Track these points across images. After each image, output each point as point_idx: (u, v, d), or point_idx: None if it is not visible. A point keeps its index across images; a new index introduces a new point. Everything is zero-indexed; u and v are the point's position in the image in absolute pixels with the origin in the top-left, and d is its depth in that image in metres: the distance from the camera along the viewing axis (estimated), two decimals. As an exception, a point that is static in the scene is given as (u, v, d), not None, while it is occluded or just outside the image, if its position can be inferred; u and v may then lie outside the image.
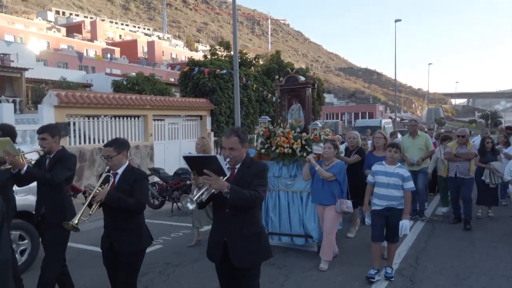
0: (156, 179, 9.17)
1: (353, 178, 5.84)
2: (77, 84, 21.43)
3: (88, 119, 9.89)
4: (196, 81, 14.01)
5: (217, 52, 16.60)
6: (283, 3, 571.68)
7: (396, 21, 31.48)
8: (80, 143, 9.54)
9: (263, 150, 5.71)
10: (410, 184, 4.49)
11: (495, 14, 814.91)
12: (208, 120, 14.16)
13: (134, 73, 19.23)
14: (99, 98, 9.61)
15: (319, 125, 5.66)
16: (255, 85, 15.68)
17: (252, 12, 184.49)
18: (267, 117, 6.12)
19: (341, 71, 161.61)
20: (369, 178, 4.73)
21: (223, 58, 15.90)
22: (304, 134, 5.54)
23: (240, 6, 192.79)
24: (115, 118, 10.60)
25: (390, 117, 46.96)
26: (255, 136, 5.94)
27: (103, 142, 10.31)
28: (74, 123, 9.53)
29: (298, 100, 5.96)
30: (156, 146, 11.73)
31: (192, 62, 14.55)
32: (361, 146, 6.70)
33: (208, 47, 17.04)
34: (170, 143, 12.46)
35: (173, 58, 58.96)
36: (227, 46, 16.08)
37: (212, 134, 14.27)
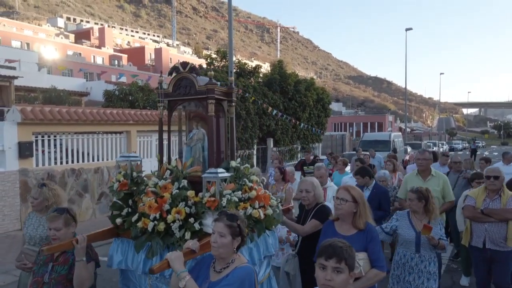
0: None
1: (307, 265, 3.27)
2: (71, 93, 20.64)
3: (60, 136, 8.93)
4: (189, 93, 13.04)
5: (214, 62, 15.64)
6: (293, 11, 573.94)
7: (407, 29, 30.45)
8: (49, 164, 8.58)
9: (118, 220, 3.24)
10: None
11: (508, 23, 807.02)
12: (202, 135, 13.16)
13: (141, 81, 18.46)
14: (73, 114, 8.66)
15: (226, 175, 3.10)
16: (253, 97, 14.67)
17: (262, 20, 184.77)
18: (134, 153, 3.91)
19: (351, 79, 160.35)
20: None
21: (219, 68, 14.92)
22: (190, 192, 3.06)
23: (250, 14, 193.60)
24: (92, 135, 9.65)
25: (400, 128, 45.67)
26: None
27: (78, 162, 9.37)
28: (42, 141, 8.58)
29: (203, 122, 3.61)
30: (144, 164, 10.74)
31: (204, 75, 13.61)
32: (323, 204, 3.72)
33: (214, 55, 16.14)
34: (157, 160, 11.47)
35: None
36: (224, 55, 15.12)
37: (205, 150, 13.28)
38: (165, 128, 3.78)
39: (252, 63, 19.23)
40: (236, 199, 3.07)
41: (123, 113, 10.20)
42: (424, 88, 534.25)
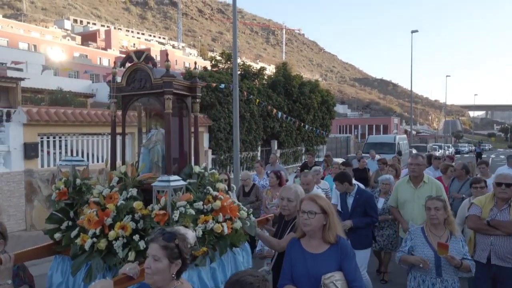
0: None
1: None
2: (76, 94, 20.80)
3: (66, 138, 9.01)
4: (194, 94, 13.08)
5: (218, 64, 15.67)
6: (298, 13, 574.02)
7: (413, 32, 30.30)
8: (54, 165, 8.66)
9: (57, 235, 2.84)
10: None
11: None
12: (206, 137, 13.20)
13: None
14: (78, 115, 8.74)
15: (180, 183, 2.70)
16: (257, 100, 14.68)
17: (267, 22, 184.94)
18: (78, 158, 3.35)
19: (356, 82, 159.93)
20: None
21: (224, 70, 14.95)
22: (137, 204, 2.64)
23: (256, 16, 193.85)
24: (97, 136, 9.72)
25: (406, 131, 45.44)
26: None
27: (83, 162, 9.42)
28: (48, 142, 8.65)
29: (163, 121, 3.11)
30: (145, 166, 10.81)
31: (189, 74, 13.65)
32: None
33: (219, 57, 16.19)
34: (162, 162, 11.52)
35: (186, 67, 58.76)
36: (229, 58, 15.15)
37: (209, 151, 13.30)
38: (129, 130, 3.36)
39: (257, 65, 19.20)
40: (192, 212, 2.61)
41: (128, 115, 10.24)
42: (430, 90, 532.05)
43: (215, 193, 2.96)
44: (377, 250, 5.71)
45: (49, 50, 43.83)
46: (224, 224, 2.81)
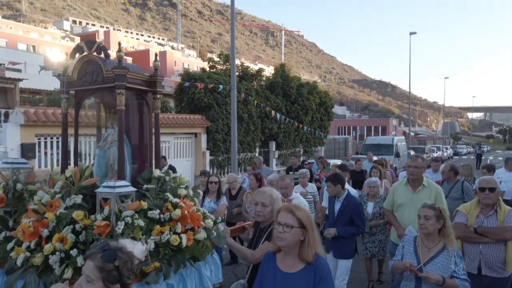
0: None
1: None
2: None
3: (57, 138, 9.01)
4: (192, 95, 13.11)
5: (216, 65, 15.69)
6: (298, 15, 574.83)
7: (411, 33, 30.42)
8: (46, 166, 8.67)
9: None
10: None
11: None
12: (204, 138, 13.21)
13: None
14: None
15: (127, 190, 2.45)
16: (255, 101, 14.71)
17: (266, 23, 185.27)
18: (21, 160, 3.06)
19: (355, 83, 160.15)
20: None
21: (222, 71, 14.98)
22: (78, 213, 2.36)
23: (255, 17, 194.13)
24: (95, 137, 9.71)
25: (404, 132, 45.54)
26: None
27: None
28: (45, 143, 8.66)
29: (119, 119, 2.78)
30: (142, 167, 10.82)
31: (187, 75, 13.68)
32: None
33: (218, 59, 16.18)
34: (159, 163, 11.53)
35: (185, 68, 58.87)
36: (227, 59, 15.18)
37: (207, 153, 13.31)
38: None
39: (256, 67, 19.23)
40: (141, 223, 2.28)
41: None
42: (428, 92, 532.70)
43: (175, 200, 2.62)
44: (368, 257, 5.45)
45: (48, 51, 43.86)
46: (183, 235, 2.46)
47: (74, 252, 2.20)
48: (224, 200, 5.52)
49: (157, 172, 2.83)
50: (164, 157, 10.11)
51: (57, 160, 9.02)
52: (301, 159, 17.85)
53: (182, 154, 12.73)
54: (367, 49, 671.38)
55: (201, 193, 3.22)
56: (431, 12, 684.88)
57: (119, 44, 2.92)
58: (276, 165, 17.16)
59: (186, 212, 2.57)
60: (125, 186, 2.38)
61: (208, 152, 13.31)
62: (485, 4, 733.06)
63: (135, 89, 2.78)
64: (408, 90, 35.67)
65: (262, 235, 2.76)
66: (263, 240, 2.71)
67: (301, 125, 17.95)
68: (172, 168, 9.85)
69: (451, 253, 2.85)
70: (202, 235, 2.62)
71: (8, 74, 18.94)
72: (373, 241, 5.35)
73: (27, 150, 7.89)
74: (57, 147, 9.00)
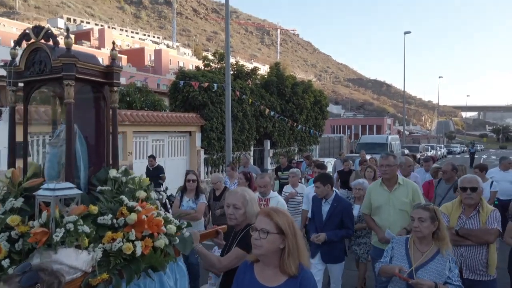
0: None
1: None
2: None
3: (50, 137, 8.98)
4: (186, 94, 13.09)
5: (211, 63, 15.68)
6: (293, 13, 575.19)
7: (406, 33, 30.57)
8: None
9: None
10: None
11: (508, 28, 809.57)
12: (198, 136, 13.20)
13: (139, 82, 18.54)
14: (68, 114, 8.70)
15: (71, 192, 2.22)
16: (250, 99, 14.72)
17: (262, 22, 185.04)
18: None
19: (350, 82, 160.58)
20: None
21: (216, 70, 14.97)
22: (13, 218, 2.11)
23: (250, 16, 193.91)
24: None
25: (399, 131, 45.75)
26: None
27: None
28: (37, 141, 8.62)
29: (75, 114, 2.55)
30: (136, 166, 10.77)
31: (182, 74, 13.65)
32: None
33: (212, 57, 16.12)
34: (153, 161, 11.49)
35: (180, 66, 58.75)
36: (221, 57, 15.17)
37: (202, 151, 13.30)
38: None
39: (251, 65, 19.22)
40: (86, 230, 2.06)
41: (119, 114, 10.24)
42: (423, 91, 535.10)
43: (132, 203, 2.35)
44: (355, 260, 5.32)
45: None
46: (138, 242, 2.19)
47: (6, 262, 1.95)
48: (203, 199, 5.23)
49: (113, 173, 2.55)
50: (153, 156, 9.92)
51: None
52: (296, 158, 17.96)
53: (176, 153, 12.72)
54: (363, 48, 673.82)
55: (164, 195, 2.94)
56: (425, 11, 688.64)
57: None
58: (270, 163, 17.18)
59: (143, 216, 2.28)
60: (67, 189, 2.13)
61: (202, 151, 13.30)
62: (479, 4, 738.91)
63: (88, 81, 2.51)
64: (402, 89, 35.84)
65: (234, 240, 2.55)
66: (234, 245, 2.49)
67: (295, 124, 17.99)
68: (159, 168, 9.67)
69: (446, 258, 2.68)
70: (162, 242, 2.33)
71: (2, 72, 18.78)
72: (358, 244, 5.19)
73: (20, 149, 7.83)
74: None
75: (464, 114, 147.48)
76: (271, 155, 17.38)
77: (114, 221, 2.25)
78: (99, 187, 2.46)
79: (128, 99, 15.18)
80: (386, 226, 3.91)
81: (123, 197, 2.39)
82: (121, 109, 12.34)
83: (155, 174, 9.30)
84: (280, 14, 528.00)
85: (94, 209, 2.21)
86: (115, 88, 2.70)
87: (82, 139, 2.57)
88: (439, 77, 50.18)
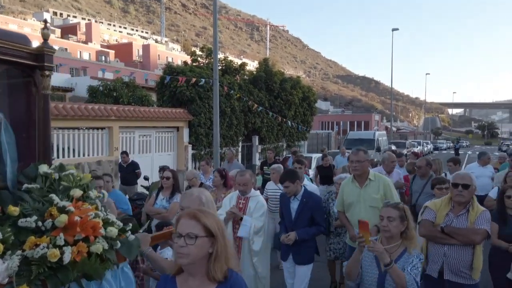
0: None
1: None
2: (54, 88, 20.38)
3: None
4: (173, 89, 13.02)
5: (199, 58, 15.61)
6: (283, 10, 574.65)
7: (393, 30, 30.78)
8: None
9: None
10: None
11: (493, 27, 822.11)
12: (186, 132, 13.16)
13: (126, 77, 18.30)
14: (53, 109, 8.59)
15: None
16: (238, 94, 14.70)
17: (251, 18, 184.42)
18: None
19: (339, 79, 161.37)
20: None
21: (204, 65, 14.91)
22: None
23: (240, 11, 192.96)
24: (73, 130, 9.61)
25: (386, 127, 46.20)
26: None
27: (58, 157, 9.30)
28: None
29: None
30: (123, 161, 10.72)
31: (169, 69, 13.57)
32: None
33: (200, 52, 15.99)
34: (141, 157, 11.44)
35: (169, 62, 58.25)
36: (210, 52, 15.11)
37: (190, 147, 13.27)
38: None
39: (241, 61, 19.20)
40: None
41: (105, 109, 10.15)
42: (411, 88, 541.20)
43: (64, 203, 2.06)
44: (331, 259, 5.02)
45: (27, 42, 42.82)
46: (67, 248, 1.89)
47: None
48: (178, 198, 4.76)
49: (44, 168, 2.24)
50: (126, 153, 9.47)
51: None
52: (284, 153, 18.02)
53: (163, 148, 12.66)
54: (352, 45, 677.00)
55: (106, 193, 2.58)
56: (414, 9, 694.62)
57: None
58: (259, 159, 17.23)
59: (76, 218, 1.99)
60: None
61: (190, 146, 13.27)
62: (466, 2, 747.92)
63: (13, 63, 2.20)
64: (390, 86, 36.19)
65: None
66: None
67: (284, 120, 18.04)
68: (134, 164, 9.29)
69: (412, 255, 2.57)
70: (99, 246, 2.01)
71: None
72: (338, 242, 4.90)
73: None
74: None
75: (451, 111, 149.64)
76: (259, 150, 17.42)
77: (40, 223, 1.95)
78: (26, 185, 2.15)
79: (115, 94, 15.05)
80: (357, 224, 3.74)
81: (53, 196, 2.09)
82: (107, 104, 12.25)
83: (130, 170, 9.10)
84: (270, 10, 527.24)
85: (13, 210, 1.92)
86: (47, 73, 2.42)
87: (9, 130, 2.23)
88: (426, 74, 50.78)
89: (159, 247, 3.34)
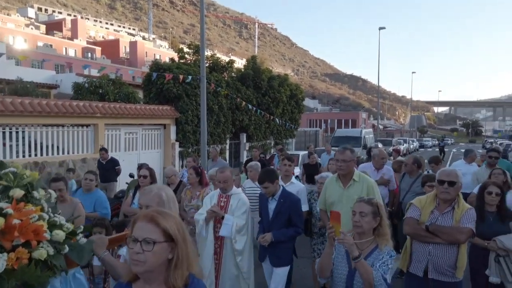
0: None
1: None
2: (39, 85, 20.05)
3: (23, 129, 8.72)
4: (160, 86, 12.92)
5: (186, 55, 15.51)
6: (271, 7, 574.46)
7: (380, 28, 31.06)
8: (11, 157, 8.38)
9: None
10: None
11: (478, 26, 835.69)
12: (173, 129, 13.08)
13: (113, 74, 18.10)
14: (36, 106, 8.46)
15: None
16: (225, 91, 14.67)
17: (240, 15, 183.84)
18: None
19: (327, 77, 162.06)
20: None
21: (192, 62, 14.83)
22: None
23: (229, 9, 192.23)
24: (58, 127, 9.47)
25: (373, 125, 46.65)
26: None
27: (42, 155, 9.17)
28: (3, 134, 8.35)
29: None
30: (109, 158, 10.60)
31: (156, 66, 13.47)
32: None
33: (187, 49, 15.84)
34: (126, 154, 11.34)
35: (156, 59, 57.72)
36: (197, 49, 15.04)
37: (177, 144, 13.19)
38: None
39: (228, 59, 19.13)
40: None
41: (90, 106, 10.03)
42: (398, 86, 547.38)
43: (1, 204, 1.87)
44: (315, 260, 4.75)
45: (11, 39, 41.92)
46: (2, 255, 1.71)
47: None
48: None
49: None
50: (105, 149, 9.24)
51: (17, 152, 8.76)
52: (272, 151, 18.06)
53: (150, 146, 12.57)
54: (340, 43, 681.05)
55: (54, 194, 2.32)
56: (400, 8, 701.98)
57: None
58: (246, 157, 17.22)
59: (14, 221, 1.78)
60: None
61: (177, 144, 13.20)
62: (453, 1, 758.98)
63: None
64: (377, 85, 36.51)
65: None
66: None
67: (272, 117, 18.07)
68: (114, 161, 9.03)
69: (383, 252, 2.48)
70: (43, 252, 1.83)
71: None
72: (321, 243, 4.67)
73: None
74: (17, 138, 8.70)
75: (436, 109, 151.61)
76: (247, 148, 17.42)
77: None
78: None
79: (100, 91, 14.88)
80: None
81: None
82: (92, 101, 12.11)
83: (110, 167, 8.94)
84: (259, 8, 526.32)
85: None
86: None
87: None
88: (413, 72, 51.35)
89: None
